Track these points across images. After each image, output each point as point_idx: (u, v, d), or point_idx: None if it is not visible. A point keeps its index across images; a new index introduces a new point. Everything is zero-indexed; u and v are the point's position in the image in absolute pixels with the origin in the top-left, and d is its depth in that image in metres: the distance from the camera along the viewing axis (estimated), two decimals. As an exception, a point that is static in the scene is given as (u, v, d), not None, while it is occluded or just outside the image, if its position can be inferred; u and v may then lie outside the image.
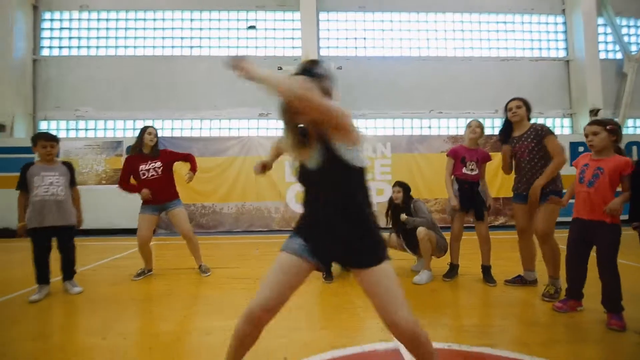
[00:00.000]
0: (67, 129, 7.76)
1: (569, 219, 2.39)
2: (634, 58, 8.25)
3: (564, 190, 2.58)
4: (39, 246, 2.79)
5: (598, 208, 2.18)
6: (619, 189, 2.22)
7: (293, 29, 8.12)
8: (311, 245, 1.27)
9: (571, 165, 2.54)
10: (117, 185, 3.42)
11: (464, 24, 8.43)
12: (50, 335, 2.15)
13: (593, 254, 2.27)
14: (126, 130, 7.81)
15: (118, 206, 6.43)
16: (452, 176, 3.25)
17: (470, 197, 3.12)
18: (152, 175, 3.30)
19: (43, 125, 7.74)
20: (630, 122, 8.58)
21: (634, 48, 8.44)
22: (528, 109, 2.85)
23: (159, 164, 3.32)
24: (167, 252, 4.71)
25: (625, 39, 8.43)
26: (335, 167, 1.22)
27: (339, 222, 1.23)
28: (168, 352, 1.88)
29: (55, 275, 2.95)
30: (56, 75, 7.68)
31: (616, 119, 8.34)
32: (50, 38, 7.87)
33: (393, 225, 3.40)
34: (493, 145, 6.74)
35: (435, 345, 1.80)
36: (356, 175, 1.25)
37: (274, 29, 8.16)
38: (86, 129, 7.76)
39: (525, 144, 2.78)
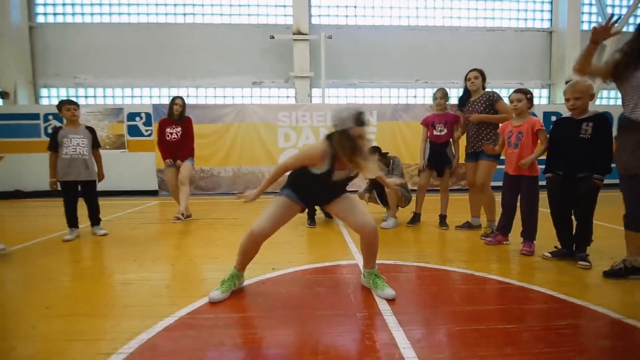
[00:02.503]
0: (68, 96, 8.06)
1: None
2: (615, 30, 8.54)
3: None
4: (69, 195, 3.35)
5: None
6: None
7: (285, -3, 8.23)
8: (303, 198, 1.96)
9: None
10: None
11: (453, -7, 8.58)
12: (87, 259, 2.78)
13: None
14: (125, 97, 8.13)
15: (122, 170, 6.96)
16: (428, 141, 3.79)
17: (437, 157, 3.68)
18: (174, 138, 4.16)
19: (44, 93, 8.03)
20: (605, 92, 9.04)
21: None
22: (484, 79, 3.38)
23: (179, 129, 4.17)
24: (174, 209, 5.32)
25: (609, 10, 8.66)
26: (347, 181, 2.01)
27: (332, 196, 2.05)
28: (189, 267, 2.52)
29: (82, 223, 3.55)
30: (54, 42, 7.85)
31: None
32: (45, 4, 7.93)
33: (369, 182, 3.98)
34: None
35: (402, 263, 2.47)
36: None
37: (266, -4, 8.27)
38: (86, 96, 8.07)
39: (475, 108, 3.31)
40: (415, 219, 3.89)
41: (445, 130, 3.67)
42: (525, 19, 8.78)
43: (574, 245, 2.60)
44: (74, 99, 3.57)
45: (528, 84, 8.70)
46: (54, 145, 3.29)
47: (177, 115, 4.15)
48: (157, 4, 8.04)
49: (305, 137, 7.11)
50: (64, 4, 7.94)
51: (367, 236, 1.91)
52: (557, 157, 2.59)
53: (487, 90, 3.39)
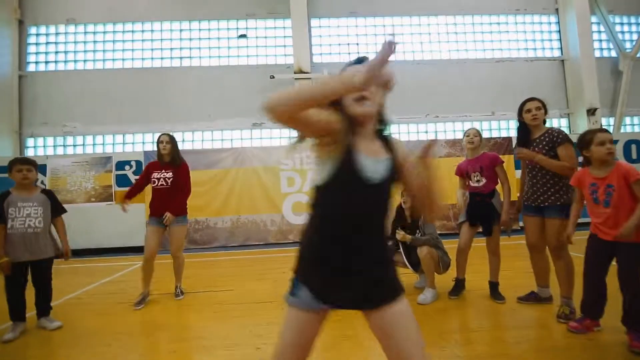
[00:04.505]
0: (55, 146, 7.54)
1: (588, 219, 2.24)
2: (629, 55, 8.19)
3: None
4: (15, 280, 2.58)
5: (620, 227, 2.01)
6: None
7: (285, 37, 8.00)
8: (322, 291, 1.02)
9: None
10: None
11: (457, 26, 8.35)
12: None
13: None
14: (116, 145, 7.61)
15: (109, 225, 6.24)
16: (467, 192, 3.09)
17: (479, 210, 2.95)
18: (162, 185, 3.24)
19: (30, 143, 7.53)
20: (627, 119, 8.50)
21: (628, 45, 8.39)
22: (546, 111, 2.63)
23: (170, 174, 3.25)
24: (161, 275, 4.50)
25: (620, 36, 8.38)
26: (389, 186, 1.08)
27: (373, 263, 1.04)
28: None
29: (31, 310, 2.75)
30: (43, 91, 7.49)
31: (613, 118, 8.27)
32: (37, 53, 7.68)
33: (393, 235, 3.20)
34: (491, 148, 6.61)
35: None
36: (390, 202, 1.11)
37: (265, 37, 8.04)
38: (74, 145, 7.55)
39: (537, 150, 2.57)
40: (459, 287, 3.06)
41: (484, 180, 2.96)
42: (535, 49, 8.47)
43: None
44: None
45: (545, 114, 8.18)
46: (0, 216, 2.59)
47: (166, 156, 3.26)
48: (152, 49, 7.78)
49: (311, 181, 6.44)
50: (56, 52, 7.69)
51: None
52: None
53: (550, 127, 2.63)
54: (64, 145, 7.58)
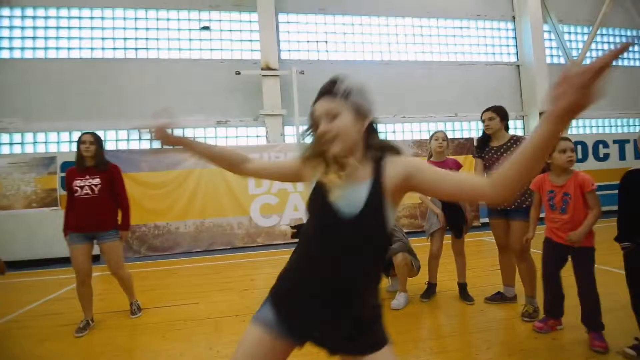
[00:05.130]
0: (-12, 144, 6.66)
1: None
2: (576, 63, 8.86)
3: None
4: None
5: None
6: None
7: (251, 31, 7.67)
8: (292, 319, 0.94)
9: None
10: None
11: (423, 28, 8.52)
12: None
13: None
14: (61, 143, 6.87)
15: (53, 231, 5.58)
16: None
17: (450, 214, 2.96)
18: (86, 194, 2.69)
19: (-44, 140, 6.58)
20: (573, 122, 9.21)
21: (574, 53, 9.07)
22: (503, 118, 2.71)
23: (97, 180, 2.72)
24: (109, 287, 4.09)
25: (567, 45, 9.03)
26: (376, 219, 0.92)
27: (357, 296, 0.93)
28: None
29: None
30: (-30, 81, 6.56)
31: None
32: (-39, 37, 6.71)
33: None
34: (454, 149, 6.83)
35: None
36: (386, 237, 0.98)
37: (230, 30, 7.66)
38: (10, 143, 6.70)
39: (502, 157, 2.64)
40: (431, 291, 3.06)
41: None
42: (494, 54, 8.89)
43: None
44: None
45: (503, 116, 8.63)
46: None
47: (89, 159, 2.74)
48: (102, 38, 7.10)
49: (280, 182, 6.25)
50: (-14, 38, 6.76)
51: None
52: (637, 221, 1.93)
53: (514, 135, 2.74)
54: (-2, 144, 6.71)
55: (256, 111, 7.30)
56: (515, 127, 8.85)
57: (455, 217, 2.97)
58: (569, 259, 2.23)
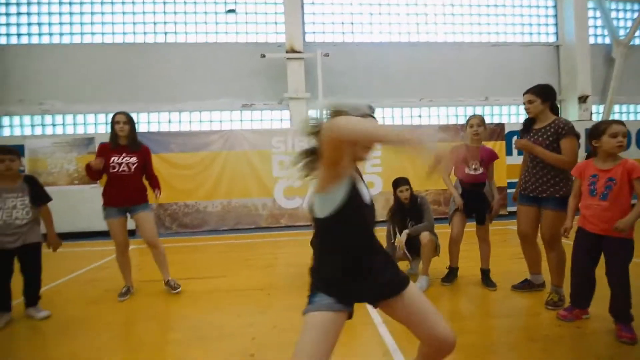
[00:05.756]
0: (32, 125, 7.15)
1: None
2: (622, 42, 8.18)
3: None
4: (1, 268, 2.45)
5: (612, 223, 2.00)
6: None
7: (276, 13, 7.63)
8: (347, 295, 1.19)
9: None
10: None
11: (454, 7, 8.13)
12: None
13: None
14: (98, 125, 7.27)
15: (95, 207, 6.00)
16: (456, 178, 3.05)
17: (474, 201, 2.92)
18: (123, 171, 2.82)
19: (5, 122, 7.11)
20: (616, 107, 8.59)
21: (622, 32, 8.36)
22: (545, 99, 2.47)
23: (134, 159, 2.86)
24: (145, 259, 4.39)
25: (614, 23, 8.32)
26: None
27: (378, 245, 1.29)
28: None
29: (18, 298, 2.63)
30: (17, 65, 7.00)
31: (602, 106, 8.33)
32: (7, 24, 7.13)
33: (397, 230, 3.09)
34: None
35: None
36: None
37: (255, 13, 7.66)
38: (54, 124, 7.17)
39: (540, 140, 2.50)
40: (452, 275, 3.07)
41: (481, 170, 2.92)
42: (531, 33, 8.35)
43: None
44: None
45: (538, 101, 8.17)
46: None
47: (123, 138, 2.86)
48: (134, 23, 7.32)
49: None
50: (29, 24, 7.15)
51: (446, 350, 1.28)
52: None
53: (557, 117, 2.52)
54: (42, 125, 7.19)
55: (280, 94, 7.34)
56: (550, 113, 8.39)
57: (477, 203, 2.93)
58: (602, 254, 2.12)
